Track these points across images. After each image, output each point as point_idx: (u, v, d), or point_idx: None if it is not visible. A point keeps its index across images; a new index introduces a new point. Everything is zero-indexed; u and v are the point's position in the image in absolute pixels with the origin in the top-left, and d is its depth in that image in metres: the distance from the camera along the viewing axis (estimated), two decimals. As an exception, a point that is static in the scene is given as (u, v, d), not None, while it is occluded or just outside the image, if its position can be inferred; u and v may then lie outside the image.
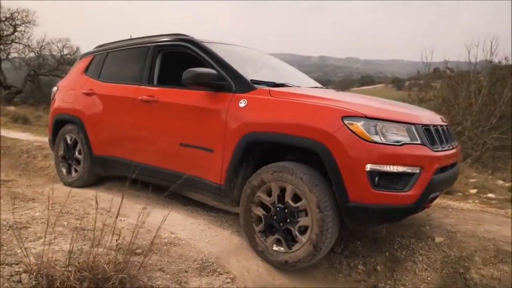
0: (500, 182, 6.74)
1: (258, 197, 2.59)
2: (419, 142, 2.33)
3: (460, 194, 5.32)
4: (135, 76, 3.63)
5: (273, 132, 2.53)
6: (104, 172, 4.03)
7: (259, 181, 2.57)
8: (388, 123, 2.29)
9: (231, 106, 2.74)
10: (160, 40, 3.55)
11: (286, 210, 2.48)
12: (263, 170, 2.57)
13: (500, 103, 10.44)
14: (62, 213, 2.88)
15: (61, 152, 4.39)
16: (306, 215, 2.39)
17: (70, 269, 1.65)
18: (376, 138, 2.23)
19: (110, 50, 4.17)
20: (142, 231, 2.65)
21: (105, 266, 1.66)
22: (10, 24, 20.95)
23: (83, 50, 21.99)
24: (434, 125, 2.54)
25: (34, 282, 1.62)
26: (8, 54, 21.26)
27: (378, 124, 2.26)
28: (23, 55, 21.60)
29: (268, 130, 2.56)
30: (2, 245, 2.06)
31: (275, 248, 2.54)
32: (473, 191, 5.72)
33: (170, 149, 3.19)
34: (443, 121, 2.79)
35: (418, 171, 2.27)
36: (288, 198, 2.46)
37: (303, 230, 2.42)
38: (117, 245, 1.87)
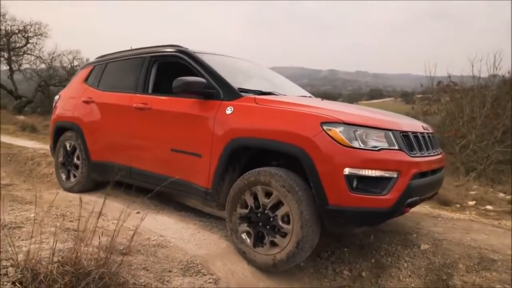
0: (501, 194, 6.71)
1: (243, 199, 2.66)
2: (396, 147, 2.39)
3: (457, 205, 5.34)
4: (131, 85, 3.77)
5: (257, 137, 2.63)
6: (100, 178, 4.12)
7: (244, 184, 2.65)
8: (366, 129, 2.37)
9: (218, 113, 2.85)
10: (156, 50, 3.68)
11: (268, 213, 2.54)
12: (248, 175, 2.65)
13: (504, 117, 10.41)
14: (57, 215, 2.98)
15: (60, 159, 4.50)
16: (288, 219, 2.45)
17: (54, 264, 1.73)
18: (354, 143, 2.30)
19: (110, 61, 4.32)
20: (131, 233, 2.73)
21: (86, 262, 1.74)
22: (23, 36, 21.50)
23: (93, 62, 22.41)
24: (413, 132, 2.60)
25: (19, 275, 1.70)
26: (20, 65, 21.75)
27: (357, 130, 2.34)
28: (35, 66, 22.09)
29: (253, 136, 2.66)
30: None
31: (257, 249, 2.60)
32: (472, 203, 5.72)
33: (162, 155, 3.29)
34: (425, 129, 2.84)
35: (395, 176, 2.33)
36: (269, 202, 2.53)
37: (284, 234, 2.48)
38: (99, 243, 1.94)
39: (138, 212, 3.39)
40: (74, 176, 4.33)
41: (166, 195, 4.45)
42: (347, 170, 2.26)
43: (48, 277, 1.67)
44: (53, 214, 3.00)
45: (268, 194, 2.56)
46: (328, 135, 2.32)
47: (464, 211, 5.02)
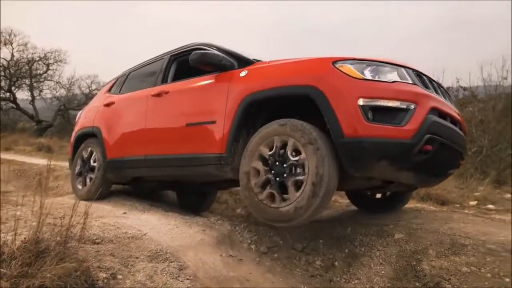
0: (508, 195, 6.58)
1: (259, 150, 2.67)
2: (410, 81, 2.48)
3: (457, 205, 5.27)
4: (150, 83, 3.96)
5: (271, 87, 2.72)
6: (116, 177, 4.12)
7: (259, 137, 2.69)
8: (378, 64, 2.48)
9: (233, 79, 3.01)
10: (175, 50, 3.92)
11: (285, 164, 2.54)
12: (263, 127, 2.71)
13: (514, 119, 10.20)
14: (43, 213, 3.14)
15: (77, 169, 4.50)
16: (303, 169, 2.44)
17: (15, 243, 1.88)
18: (367, 76, 2.41)
19: (132, 71, 4.60)
20: (111, 228, 2.88)
21: (46, 242, 1.88)
22: (44, 64, 22.41)
23: (109, 85, 23.10)
24: (428, 77, 2.71)
25: (-14, 255, 1.85)
26: (41, 90, 22.62)
27: (369, 65, 2.46)
28: (55, 92, 22.92)
29: (266, 88, 2.75)
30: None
31: (268, 202, 2.55)
32: (473, 203, 5.64)
33: (177, 133, 3.36)
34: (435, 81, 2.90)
35: (412, 107, 2.36)
36: (288, 152, 2.53)
37: (299, 185, 2.44)
38: (65, 227, 2.07)
39: (124, 213, 3.52)
40: (90, 179, 4.29)
41: (155, 197, 4.61)
42: (361, 101, 2.32)
43: (11, 255, 1.81)
44: (39, 213, 3.16)
45: (284, 146, 2.57)
46: (340, 71, 2.43)
47: (463, 210, 4.95)
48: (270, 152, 2.61)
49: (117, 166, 4.01)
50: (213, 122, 3.02)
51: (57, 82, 22.80)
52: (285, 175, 2.52)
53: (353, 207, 4.00)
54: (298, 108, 2.81)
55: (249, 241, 2.99)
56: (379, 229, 3.07)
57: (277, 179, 2.55)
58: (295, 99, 2.73)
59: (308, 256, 2.94)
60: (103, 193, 4.10)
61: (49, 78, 22.69)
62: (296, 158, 2.49)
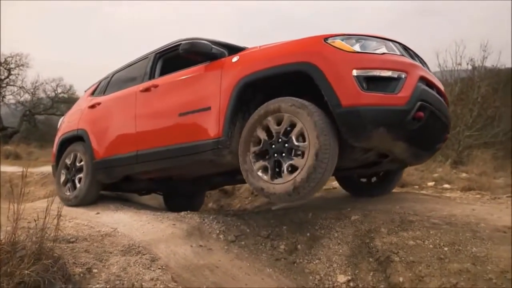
0: (464, 174, 7.01)
1: (256, 136, 2.78)
2: (398, 53, 2.71)
3: (416, 186, 5.61)
4: (137, 81, 3.96)
5: (266, 68, 2.83)
6: (106, 178, 4.02)
7: (255, 120, 2.79)
8: (366, 38, 2.69)
9: (225, 65, 3.10)
10: (160, 48, 3.96)
11: (282, 139, 2.67)
12: (257, 110, 2.81)
13: (470, 103, 10.80)
14: (17, 218, 3.23)
15: (63, 176, 4.35)
16: (303, 137, 2.57)
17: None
18: (358, 49, 2.60)
19: (115, 73, 4.58)
20: (85, 227, 3.02)
21: (22, 242, 2.02)
22: (5, 69, 21.78)
23: (77, 88, 22.68)
24: (411, 50, 2.95)
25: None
26: (4, 97, 22.00)
27: (359, 39, 2.66)
28: (18, 97, 22.35)
29: (261, 68, 2.85)
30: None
31: (275, 181, 2.66)
32: (431, 183, 6.01)
33: (169, 124, 3.38)
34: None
35: (403, 76, 2.56)
36: (282, 127, 2.67)
37: (301, 154, 2.57)
38: (40, 228, 2.20)
39: (97, 213, 3.65)
40: (78, 183, 4.14)
41: (127, 197, 4.72)
42: (355, 72, 2.48)
43: (-13, 255, 1.95)
44: (14, 218, 3.25)
45: (279, 123, 2.70)
46: (333, 46, 2.61)
47: (420, 191, 5.28)
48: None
49: (107, 165, 3.93)
50: (208, 109, 3.08)
51: (20, 87, 22.27)
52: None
53: (318, 194, 4.26)
54: (291, 90, 2.86)
55: (218, 232, 3.18)
56: (338, 212, 3.32)
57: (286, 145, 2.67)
58: (290, 77, 2.80)
59: (273, 241, 3.15)
60: (93, 197, 4.11)
61: (11, 83, 22.12)
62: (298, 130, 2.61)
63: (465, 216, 2.93)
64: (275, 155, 2.70)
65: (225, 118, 2.96)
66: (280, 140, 2.69)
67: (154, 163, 3.51)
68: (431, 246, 2.61)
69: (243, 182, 4.16)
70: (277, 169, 2.70)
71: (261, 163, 2.76)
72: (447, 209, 3.16)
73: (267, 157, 2.75)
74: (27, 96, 22.76)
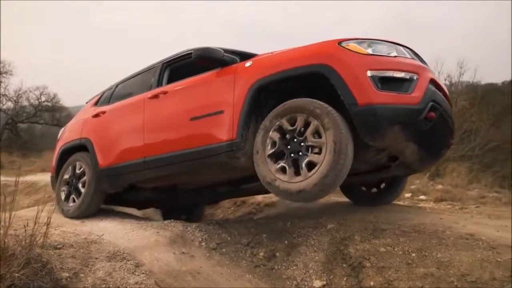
0: (440, 186, 7.26)
1: (271, 138, 2.83)
2: (409, 57, 2.90)
3: (393, 198, 5.81)
4: (144, 90, 3.97)
5: (281, 70, 2.92)
6: (110, 186, 3.97)
7: (269, 122, 2.85)
8: (378, 42, 2.86)
9: (238, 69, 3.18)
10: (168, 58, 4.02)
11: (298, 138, 2.74)
12: (271, 113, 2.88)
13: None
14: (5, 226, 3.31)
15: (64, 187, 4.28)
16: (319, 134, 2.65)
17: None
18: (371, 52, 2.76)
19: (119, 83, 4.61)
20: (71, 235, 3.11)
21: (12, 248, 2.13)
22: (-13, 76, 21.56)
23: (61, 97, 22.49)
24: (418, 55, 3.13)
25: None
26: (-14, 105, 21.74)
27: (371, 43, 2.82)
28: (1, 105, 22.09)
29: (277, 71, 2.94)
30: None
31: (294, 179, 2.70)
32: (408, 195, 6.24)
33: (180, 129, 3.40)
34: None
35: (415, 78, 2.71)
36: (297, 127, 2.74)
37: (318, 151, 2.63)
38: (30, 235, 2.31)
39: (83, 221, 3.74)
40: (80, 193, 4.05)
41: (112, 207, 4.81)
42: (369, 72, 2.62)
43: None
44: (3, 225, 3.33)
45: (293, 123, 2.77)
46: (347, 49, 2.75)
47: (397, 202, 5.47)
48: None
49: (112, 173, 3.88)
50: (221, 112, 3.13)
51: (3, 95, 22.01)
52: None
53: (296, 204, 4.41)
54: (303, 93, 2.92)
55: (200, 239, 3.31)
56: (315, 221, 3.49)
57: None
58: (305, 80, 2.89)
59: (252, 249, 3.30)
60: (95, 207, 4.05)
61: (-7, 91, 21.85)
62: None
63: (433, 225, 3.12)
64: (291, 155, 2.76)
65: (239, 120, 3.02)
66: (295, 140, 2.76)
67: (163, 168, 3.50)
68: (400, 252, 2.79)
69: (247, 193, 4.29)
70: (294, 168, 2.74)
71: (279, 165, 2.79)
72: (417, 218, 3.34)
73: (282, 157, 2.80)
74: (10, 104, 22.57)
